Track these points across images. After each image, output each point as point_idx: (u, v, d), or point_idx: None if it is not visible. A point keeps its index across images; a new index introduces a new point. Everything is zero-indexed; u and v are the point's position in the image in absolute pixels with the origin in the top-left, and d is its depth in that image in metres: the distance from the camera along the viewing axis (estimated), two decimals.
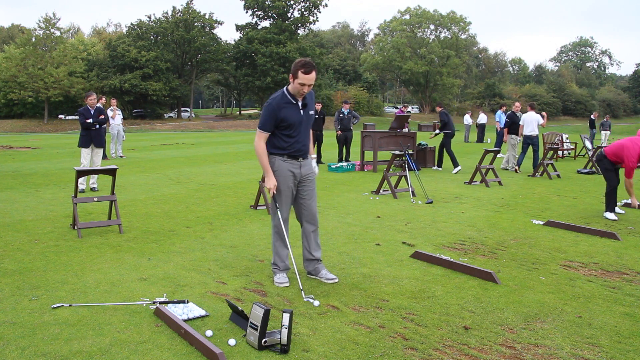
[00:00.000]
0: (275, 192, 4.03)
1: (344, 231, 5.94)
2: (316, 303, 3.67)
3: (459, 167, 12.43)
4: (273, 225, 4.17)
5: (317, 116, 13.18)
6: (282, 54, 53.60)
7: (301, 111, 4.01)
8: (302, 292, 3.88)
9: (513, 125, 12.69)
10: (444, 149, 12.72)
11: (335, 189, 9.38)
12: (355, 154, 14.77)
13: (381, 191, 8.78)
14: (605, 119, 26.62)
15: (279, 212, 4.07)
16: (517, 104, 13.25)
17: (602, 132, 25.69)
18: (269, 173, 4.00)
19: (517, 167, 12.43)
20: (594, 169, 12.63)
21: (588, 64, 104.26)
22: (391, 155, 8.77)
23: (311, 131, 4.26)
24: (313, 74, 3.84)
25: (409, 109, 56.33)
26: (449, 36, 72.55)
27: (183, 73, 58.68)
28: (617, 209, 6.97)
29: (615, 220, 6.79)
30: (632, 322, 3.45)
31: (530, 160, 14.84)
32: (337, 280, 4.19)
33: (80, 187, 8.45)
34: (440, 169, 12.91)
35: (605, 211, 6.98)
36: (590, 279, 4.34)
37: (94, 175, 8.83)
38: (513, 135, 12.70)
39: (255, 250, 5.13)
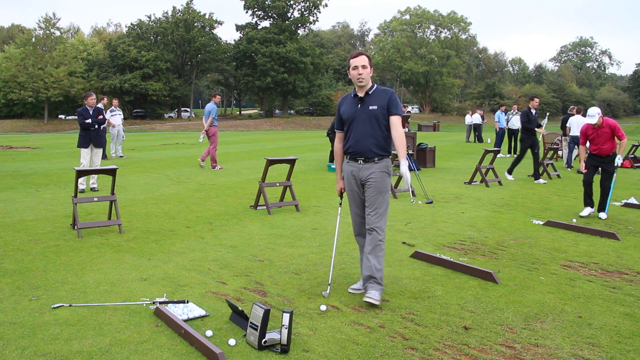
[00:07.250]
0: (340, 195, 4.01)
1: (344, 231, 5.93)
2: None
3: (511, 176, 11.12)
4: None
5: None
6: (282, 54, 53.59)
7: (358, 105, 3.68)
8: (329, 286, 3.89)
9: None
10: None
11: (335, 188, 9.36)
12: None
13: None
14: None
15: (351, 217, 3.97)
16: (572, 106, 14.54)
17: None
18: (337, 176, 3.99)
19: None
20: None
21: (588, 64, 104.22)
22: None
23: (400, 131, 3.73)
24: (361, 57, 3.64)
25: (409, 109, 56.27)
26: (449, 36, 72.49)
27: (183, 73, 58.69)
28: (602, 214, 7.04)
29: (586, 215, 6.95)
30: (632, 322, 3.45)
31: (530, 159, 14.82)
32: (377, 303, 3.58)
33: (80, 187, 8.45)
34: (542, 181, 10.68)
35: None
36: (590, 279, 4.34)
37: (94, 175, 8.83)
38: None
39: (255, 250, 5.13)
